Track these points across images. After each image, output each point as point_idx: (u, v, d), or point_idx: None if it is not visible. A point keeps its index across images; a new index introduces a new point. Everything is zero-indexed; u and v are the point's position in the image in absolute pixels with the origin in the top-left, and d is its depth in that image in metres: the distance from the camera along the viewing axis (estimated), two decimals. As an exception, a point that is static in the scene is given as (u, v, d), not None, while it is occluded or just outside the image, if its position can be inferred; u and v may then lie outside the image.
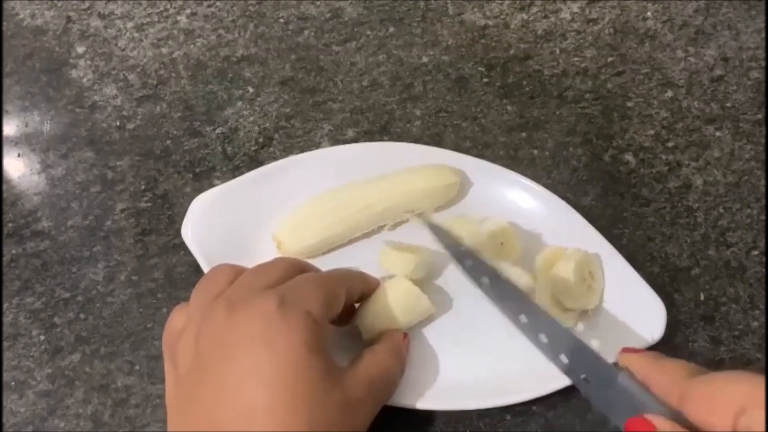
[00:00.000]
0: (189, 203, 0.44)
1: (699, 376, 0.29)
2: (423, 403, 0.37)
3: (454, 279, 0.42)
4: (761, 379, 0.27)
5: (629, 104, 0.50)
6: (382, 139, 0.49)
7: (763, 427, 0.26)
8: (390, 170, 0.44)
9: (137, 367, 0.40)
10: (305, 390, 0.30)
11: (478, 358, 0.39)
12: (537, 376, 0.38)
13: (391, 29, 0.56)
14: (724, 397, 0.27)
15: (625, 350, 0.34)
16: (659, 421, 0.29)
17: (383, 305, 0.38)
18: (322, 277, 0.36)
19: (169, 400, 0.33)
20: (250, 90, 0.53)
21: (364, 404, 0.33)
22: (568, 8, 0.56)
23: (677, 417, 0.29)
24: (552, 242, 0.42)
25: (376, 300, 0.38)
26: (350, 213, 0.42)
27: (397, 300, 0.38)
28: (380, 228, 0.44)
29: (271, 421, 0.29)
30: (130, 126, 0.51)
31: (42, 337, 0.42)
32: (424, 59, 0.54)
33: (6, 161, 0.50)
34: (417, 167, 0.44)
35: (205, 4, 0.58)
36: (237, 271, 0.35)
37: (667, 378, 0.30)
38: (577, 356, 0.35)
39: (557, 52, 0.53)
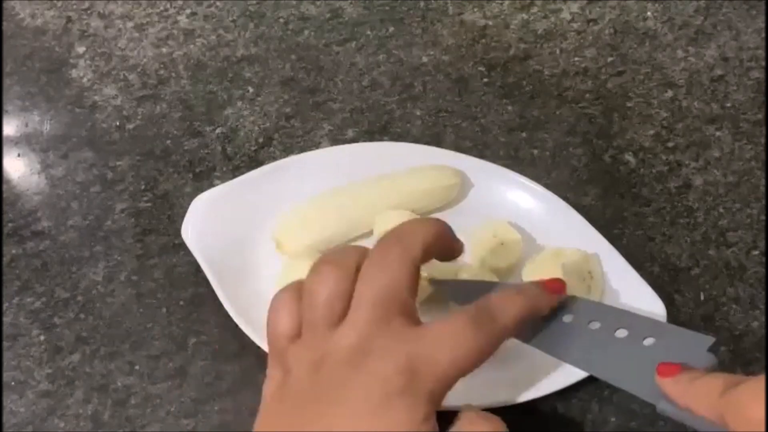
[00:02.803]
0: (189, 203, 0.44)
1: (732, 389, 0.27)
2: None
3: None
4: None
5: (629, 104, 0.50)
6: (382, 139, 0.49)
7: None
8: (390, 170, 0.44)
9: (137, 367, 0.40)
10: None
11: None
12: (537, 375, 0.38)
13: (391, 29, 0.56)
14: (755, 412, 0.26)
15: (661, 373, 0.29)
16: None
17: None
18: (475, 329, 0.30)
19: (268, 404, 0.31)
20: (250, 90, 0.53)
21: None
22: (568, 8, 0.56)
23: None
24: (552, 242, 0.42)
25: None
26: (350, 213, 0.42)
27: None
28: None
29: None
30: (130, 126, 0.51)
31: (42, 337, 0.42)
32: (424, 59, 0.54)
33: (6, 161, 0.50)
34: (418, 167, 0.44)
35: (205, 4, 0.58)
36: (356, 264, 0.31)
37: (704, 401, 0.28)
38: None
39: (557, 52, 0.53)
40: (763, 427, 0.25)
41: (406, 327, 0.29)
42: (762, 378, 0.27)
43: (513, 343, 0.39)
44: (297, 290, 0.32)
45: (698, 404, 0.28)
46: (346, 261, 0.31)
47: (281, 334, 0.31)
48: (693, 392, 0.28)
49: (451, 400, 0.37)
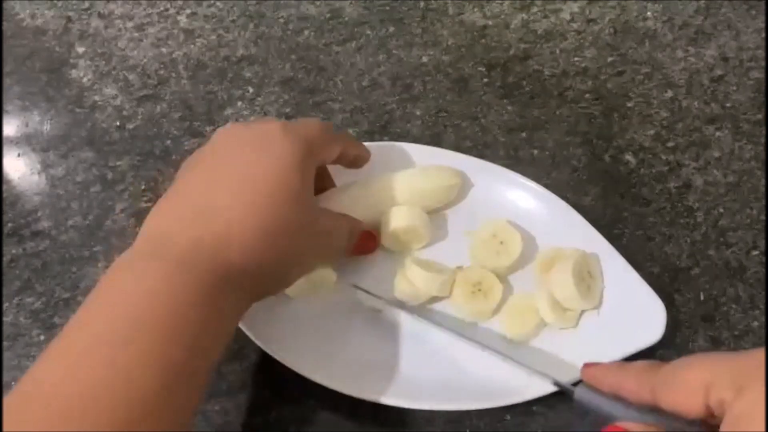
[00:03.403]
0: (189, 203, 0.44)
1: (665, 366, 0.30)
2: (423, 403, 0.37)
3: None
4: (722, 355, 0.28)
5: (629, 104, 0.50)
6: (382, 139, 0.49)
7: (731, 395, 0.26)
8: (390, 170, 0.44)
9: (137, 367, 0.40)
10: (280, 196, 0.34)
11: (478, 358, 0.39)
12: (537, 376, 0.38)
13: (391, 29, 0.56)
14: (691, 376, 0.28)
15: (586, 366, 0.34)
16: (629, 425, 0.29)
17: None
18: (327, 126, 0.40)
19: (193, 159, 0.38)
20: (250, 90, 0.53)
21: (322, 239, 0.38)
22: (568, 8, 0.56)
23: (652, 416, 0.30)
24: (552, 242, 0.42)
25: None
26: (353, 210, 0.42)
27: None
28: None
29: (238, 213, 0.33)
30: (130, 126, 0.51)
31: (42, 337, 0.42)
32: (424, 59, 0.54)
33: (6, 161, 0.50)
34: (418, 168, 0.44)
35: (205, 4, 0.58)
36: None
37: (636, 379, 0.31)
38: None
39: (557, 52, 0.53)
40: (698, 398, 0.27)
41: None
42: (694, 355, 0.29)
43: (512, 344, 0.40)
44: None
45: (630, 384, 0.31)
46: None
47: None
48: (624, 373, 0.31)
49: (452, 401, 0.37)
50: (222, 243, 0.32)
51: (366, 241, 0.42)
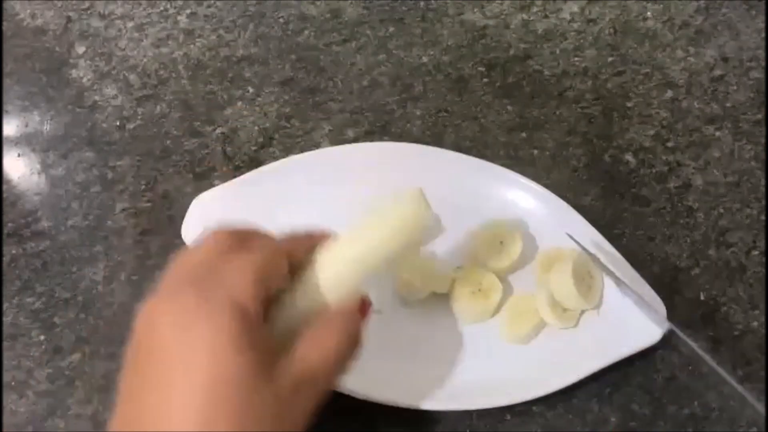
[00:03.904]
0: (189, 203, 0.44)
1: None
2: (423, 404, 0.37)
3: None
4: None
5: (629, 104, 0.50)
6: (382, 139, 0.49)
7: None
8: (390, 170, 0.44)
9: (137, 367, 0.40)
10: (231, 394, 0.27)
11: (478, 358, 0.39)
12: (537, 376, 0.38)
13: (391, 29, 0.55)
14: None
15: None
16: None
17: (336, 255, 0.32)
18: (254, 248, 0.31)
19: (129, 349, 0.31)
20: (250, 90, 0.53)
21: (300, 399, 0.29)
22: (568, 8, 0.56)
23: None
24: (552, 242, 0.42)
25: (330, 250, 0.33)
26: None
27: (360, 239, 0.33)
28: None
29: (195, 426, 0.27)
30: (130, 126, 0.51)
31: (42, 337, 0.42)
32: (424, 59, 0.54)
33: (6, 161, 0.50)
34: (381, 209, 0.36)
35: (205, 4, 0.58)
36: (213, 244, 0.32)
37: None
38: None
39: (557, 52, 0.53)
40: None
41: None
42: None
43: (511, 344, 0.40)
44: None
45: None
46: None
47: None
48: None
49: (452, 401, 0.37)
50: None
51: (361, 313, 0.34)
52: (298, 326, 0.31)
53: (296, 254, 0.33)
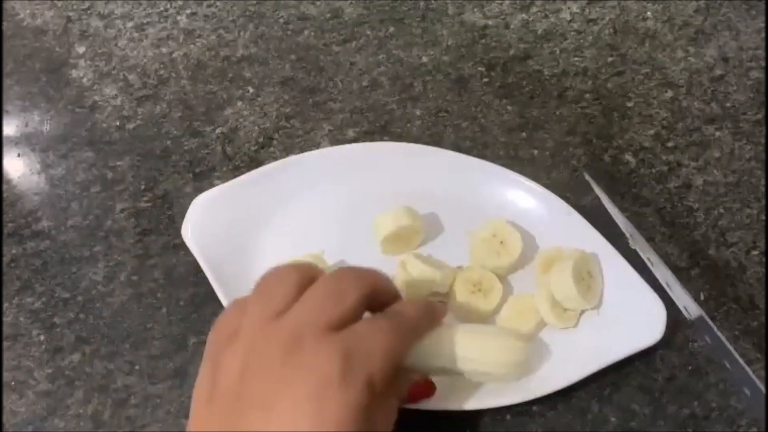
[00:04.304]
0: (189, 203, 0.44)
1: None
2: (423, 404, 0.37)
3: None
4: None
5: (629, 104, 0.50)
6: (382, 139, 0.49)
7: None
8: (390, 170, 0.44)
9: (137, 367, 0.40)
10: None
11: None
12: (537, 375, 0.38)
13: (391, 29, 0.56)
14: None
15: None
16: None
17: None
18: (394, 327, 0.32)
19: (198, 407, 0.31)
20: (250, 90, 0.53)
21: None
22: (568, 8, 0.56)
23: None
24: (552, 242, 0.42)
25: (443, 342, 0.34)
26: None
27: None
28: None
29: None
30: (130, 126, 0.51)
31: (42, 337, 0.42)
32: (424, 59, 0.54)
33: (6, 161, 0.50)
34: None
35: (205, 4, 0.58)
36: (309, 278, 0.32)
37: None
38: None
39: (557, 52, 0.53)
40: None
41: (334, 331, 0.30)
42: None
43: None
44: (244, 300, 0.32)
45: None
46: (305, 271, 0.32)
47: (222, 329, 0.32)
48: None
49: (451, 401, 0.37)
50: None
51: (419, 393, 0.37)
52: None
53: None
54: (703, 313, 0.36)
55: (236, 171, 0.48)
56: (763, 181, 0.46)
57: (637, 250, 0.40)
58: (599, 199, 0.45)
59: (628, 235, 0.41)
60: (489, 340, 0.35)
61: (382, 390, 0.30)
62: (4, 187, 0.49)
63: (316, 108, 0.51)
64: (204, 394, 0.30)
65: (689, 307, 0.38)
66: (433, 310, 0.35)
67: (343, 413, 0.28)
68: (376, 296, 0.33)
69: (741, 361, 0.34)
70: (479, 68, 0.53)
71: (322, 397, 0.28)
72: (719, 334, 0.35)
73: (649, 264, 0.40)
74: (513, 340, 0.35)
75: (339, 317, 0.30)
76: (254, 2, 0.58)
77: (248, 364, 0.29)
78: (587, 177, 0.42)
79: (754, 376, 0.33)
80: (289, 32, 0.56)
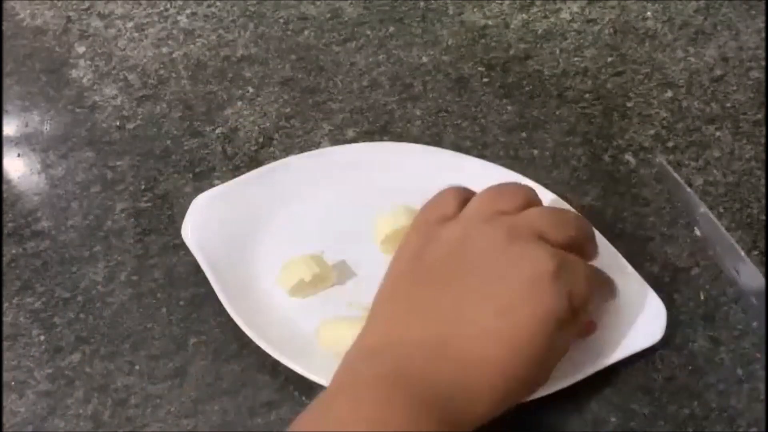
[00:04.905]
0: (189, 203, 0.44)
1: None
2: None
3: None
4: None
5: (629, 104, 0.50)
6: (382, 139, 0.49)
7: None
8: (390, 170, 0.44)
9: (137, 367, 0.40)
10: (529, 355, 0.30)
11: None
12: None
13: (391, 29, 0.56)
14: None
15: None
16: None
17: None
18: (598, 276, 0.36)
19: (400, 269, 0.33)
20: (250, 90, 0.53)
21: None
22: (568, 8, 0.56)
23: None
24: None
25: None
26: None
27: None
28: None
29: (481, 360, 0.29)
30: (130, 126, 0.51)
31: (42, 337, 0.42)
32: (424, 59, 0.54)
33: (6, 161, 0.50)
34: None
35: (205, 4, 0.58)
36: (529, 198, 0.35)
37: None
38: None
39: (557, 52, 0.53)
40: None
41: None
42: None
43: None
44: (467, 189, 0.36)
45: None
46: (530, 193, 0.36)
47: (439, 207, 0.34)
48: None
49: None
50: (457, 387, 0.29)
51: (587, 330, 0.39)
52: None
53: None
54: (758, 270, 0.36)
55: (236, 171, 0.48)
56: (763, 181, 0.46)
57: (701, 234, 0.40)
58: (600, 198, 0.45)
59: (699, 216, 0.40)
60: None
61: (570, 317, 0.31)
62: (4, 187, 0.49)
63: (316, 108, 0.51)
64: (410, 256, 0.33)
65: (742, 267, 0.37)
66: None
67: (550, 306, 0.30)
68: (578, 246, 0.35)
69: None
70: (479, 68, 0.53)
71: (536, 288, 0.30)
72: None
73: (716, 247, 0.39)
74: None
75: (558, 237, 0.33)
76: (254, 2, 0.58)
77: (466, 240, 0.32)
78: (663, 162, 0.41)
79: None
80: (289, 32, 0.56)
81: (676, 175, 0.40)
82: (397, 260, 0.34)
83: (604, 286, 0.37)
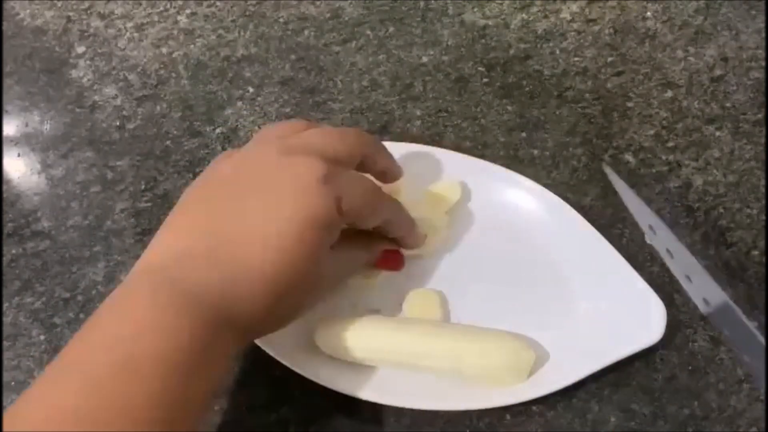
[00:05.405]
0: (189, 203, 0.44)
1: None
2: (423, 403, 0.37)
3: (450, 282, 0.42)
4: None
5: (629, 104, 0.50)
6: (382, 139, 0.49)
7: None
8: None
9: (137, 367, 0.40)
10: (300, 250, 0.31)
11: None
12: (537, 375, 0.38)
13: (391, 29, 0.56)
14: None
15: None
16: None
17: None
18: (374, 190, 0.36)
19: (183, 195, 0.35)
20: (250, 90, 0.53)
21: (325, 283, 0.36)
22: (568, 8, 0.56)
23: None
24: (551, 242, 0.42)
25: None
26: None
27: None
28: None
29: (252, 258, 0.31)
30: (130, 126, 0.51)
31: (42, 337, 0.42)
32: (424, 59, 0.54)
33: (6, 161, 0.50)
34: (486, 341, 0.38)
35: (205, 4, 0.58)
36: (310, 125, 0.37)
37: None
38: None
39: (557, 52, 0.53)
40: None
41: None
42: None
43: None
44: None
45: None
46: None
47: (224, 154, 0.37)
48: None
49: (452, 401, 0.37)
50: (228, 290, 0.30)
51: (387, 262, 0.42)
52: None
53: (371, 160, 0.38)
54: (729, 300, 0.35)
55: (236, 171, 0.48)
56: (763, 181, 0.46)
57: (654, 245, 0.40)
58: (600, 198, 0.45)
59: (645, 229, 0.41)
60: (490, 341, 0.35)
61: (350, 219, 0.34)
62: (4, 187, 0.49)
63: (316, 108, 0.51)
64: (194, 185, 0.35)
65: (712, 296, 0.37)
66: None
67: (314, 209, 0.32)
68: (367, 162, 0.37)
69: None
70: (479, 68, 0.53)
71: (302, 193, 0.32)
72: (747, 322, 0.34)
73: (667, 256, 0.39)
74: (516, 342, 0.36)
75: (335, 150, 0.34)
76: (254, 2, 0.58)
77: (241, 161, 0.35)
78: (606, 169, 0.42)
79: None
80: (289, 32, 0.56)
81: (623, 182, 0.40)
82: (187, 189, 0.36)
83: (386, 203, 0.37)
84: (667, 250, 0.39)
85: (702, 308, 0.37)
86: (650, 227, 0.40)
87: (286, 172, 0.33)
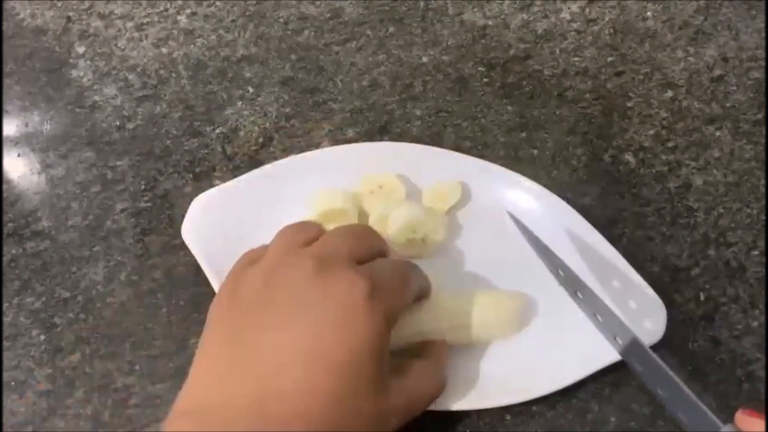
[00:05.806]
0: (189, 203, 0.44)
1: None
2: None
3: (450, 282, 0.42)
4: None
5: (629, 104, 0.50)
6: (382, 139, 0.49)
7: None
8: (390, 170, 0.44)
9: (137, 367, 0.40)
10: (347, 394, 0.29)
11: (476, 358, 0.39)
12: (537, 376, 0.38)
13: (391, 29, 0.56)
14: None
15: (745, 413, 0.30)
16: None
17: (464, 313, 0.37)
18: (407, 273, 0.34)
19: (216, 312, 0.32)
20: (250, 90, 0.53)
21: (395, 419, 0.32)
22: (568, 8, 0.56)
23: None
24: (551, 242, 0.42)
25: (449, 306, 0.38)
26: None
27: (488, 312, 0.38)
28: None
29: (304, 405, 0.28)
30: (130, 126, 0.51)
31: (42, 337, 0.42)
32: (424, 59, 0.54)
33: (6, 161, 0.50)
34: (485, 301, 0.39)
35: (205, 4, 0.58)
36: (318, 228, 0.35)
37: None
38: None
39: (557, 52, 0.53)
40: None
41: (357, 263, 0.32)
42: None
43: (510, 344, 0.40)
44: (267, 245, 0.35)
45: None
46: (320, 227, 0.36)
47: (247, 257, 0.34)
48: None
49: (450, 402, 0.37)
50: None
51: None
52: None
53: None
54: (638, 337, 0.35)
55: (236, 171, 0.48)
56: (763, 181, 0.46)
57: (563, 287, 0.39)
58: (600, 198, 0.45)
59: (554, 272, 0.40)
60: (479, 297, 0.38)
61: (388, 334, 0.31)
62: (4, 187, 0.49)
63: (316, 108, 0.51)
64: (223, 302, 0.32)
65: (621, 334, 0.36)
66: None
67: (362, 336, 0.29)
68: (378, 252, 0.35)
69: (685, 388, 0.32)
70: (479, 68, 0.53)
71: (348, 314, 0.29)
72: (656, 357, 0.34)
73: (576, 298, 0.39)
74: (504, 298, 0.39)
75: (360, 251, 0.33)
76: (254, 2, 0.58)
77: (273, 276, 0.31)
78: (510, 215, 0.41)
79: (705, 409, 0.31)
80: (289, 32, 0.56)
81: (525, 225, 0.40)
82: (214, 305, 0.33)
83: (411, 274, 0.35)
84: (575, 292, 0.39)
85: (613, 345, 0.37)
86: (558, 271, 0.39)
87: (323, 300, 0.30)
